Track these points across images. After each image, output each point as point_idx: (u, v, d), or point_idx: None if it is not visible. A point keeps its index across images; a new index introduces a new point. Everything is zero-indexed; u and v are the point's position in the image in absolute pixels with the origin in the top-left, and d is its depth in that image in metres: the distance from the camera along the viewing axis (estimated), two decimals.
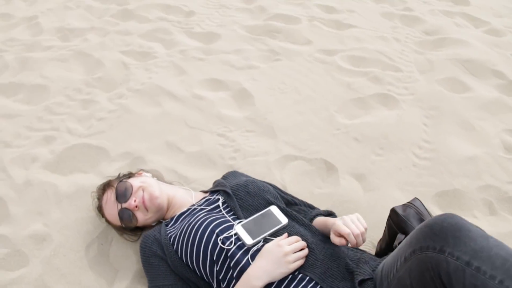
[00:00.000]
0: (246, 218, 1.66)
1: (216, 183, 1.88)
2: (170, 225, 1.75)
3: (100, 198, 1.88)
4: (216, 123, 2.50)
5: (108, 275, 1.81)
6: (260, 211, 1.69)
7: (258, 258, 1.50)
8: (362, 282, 1.48)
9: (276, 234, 1.60)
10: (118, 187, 1.80)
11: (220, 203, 1.73)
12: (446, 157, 2.36)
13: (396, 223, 1.69)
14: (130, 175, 1.91)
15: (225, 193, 1.76)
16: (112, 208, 1.78)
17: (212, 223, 1.60)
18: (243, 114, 2.58)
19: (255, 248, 1.55)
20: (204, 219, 1.62)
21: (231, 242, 1.56)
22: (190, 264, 1.59)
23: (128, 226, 1.77)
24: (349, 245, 1.50)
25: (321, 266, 1.52)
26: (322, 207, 2.08)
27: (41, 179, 2.10)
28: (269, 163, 2.27)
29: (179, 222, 1.73)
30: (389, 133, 2.48)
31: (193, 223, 1.62)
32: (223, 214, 1.67)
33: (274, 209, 1.68)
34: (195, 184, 2.15)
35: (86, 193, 2.06)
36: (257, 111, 2.59)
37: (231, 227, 1.61)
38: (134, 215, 1.73)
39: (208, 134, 2.43)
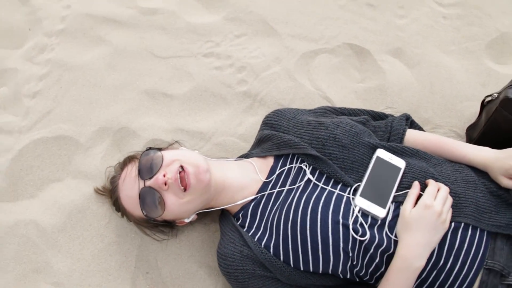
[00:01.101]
0: (355, 181, 1.20)
1: (277, 141, 1.30)
2: (247, 224, 1.23)
3: (116, 176, 1.30)
4: (192, 40, 1.79)
5: None
6: (366, 164, 1.22)
7: (407, 231, 1.10)
8: None
9: (400, 185, 1.19)
10: (142, 158, 1.21)
11: (308, 174, 1.21)
12: None
13: None
14: (161, 148, 1.28)
15: (308, 156, 1.23)
16: (130, 188, 1.20)
17: (327, 210, 1.12)
18: (219, 16, 1.86)
19: (389, 217, 1.13)
20: (312, 208, 1.12)
21: (361, 225, 1.12)
22: (312, 269, 1.14)
23: (150, 216, 1.19)
24: None
25: (468, 203, 1.16)
26: (380, 107, 1.65)
27: (6, 221, 1.37)
28: (290, 72, 1.71)
29: (260, 217, 1.22)
30: None
31: (298, 217, 1.12)
32: (325, 188, 1.18)
33: (381, 153, 1.22)
34: (217, 137, 1.56)
35: (83, 210, 1.40)
36: (234, 6, 1.88)
37: (348, 203, 1.15)
38: (161, 197, 1.16)
39: (191, 59, 1.74)
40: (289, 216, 1.13)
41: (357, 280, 1.18)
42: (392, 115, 1.46)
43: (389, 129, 1.36)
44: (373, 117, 1.47)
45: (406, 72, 1.74)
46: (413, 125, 1.46)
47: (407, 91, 1.69)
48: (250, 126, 1.58)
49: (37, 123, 1.55)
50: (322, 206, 1.12)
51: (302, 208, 1.13)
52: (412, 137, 1.35)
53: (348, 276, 1.15)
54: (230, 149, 1.53)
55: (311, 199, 1.14)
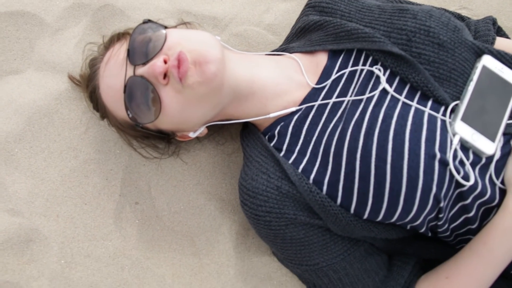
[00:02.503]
0: (453, 98, 0.81)
1: (334, 29, 0.88)
2: (285, 147, 0.85)
3: (98, 58, 0.90)
4: None
5: (188, 256, 0.98)
6: (467, 74, 0.83)
7: None
8: None
9: None
10: (136, 33, 0.82)
11: (384, 83, 0.81)
12: None
13: None
14: (166, 26, 0.86)
15: (386, 55, 0.82)
16: (114, 75, 0.81)
17: (418, 137, 0.73)
18: None
19: (497, 155, 0.77)
20: (395, 132, 0.73)
21: (461, 162, 0.76)
22: (380, 219, 0.78)
23: (138, 121, 0.81)
24: None
25: None
26: (451, 6, 1.24)
27: None
28: None
29: (306, 137, 0.83)
30: None
31: (374, 144, 0.73)
32: (409, 104, 0.78)
33: (489, 61, 0.83)
34: (236, 26, 1.13)
35: (49, 113, 1.02)
36: None
37: (444, 130, 0.77)
38: (156, 93, 0.77)
39: None
40: (359, 141, 0.75)
41: (430, 235, 0.84)
42: (469, 18, 1.05)
43: (473, 33, 0.96)
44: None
45: None
46: (500, 33, 1.05)
47: None
48: (281, 15, 1.16)
49: None
50: (410, 131, 0.73)
51: (380, 130, 0.74)
52: (503, 47, 0.94)
53: (423, 230, 0.81)
54: (253, 43, 1.12)
55: (392, 118, 0.75)
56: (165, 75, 0.75)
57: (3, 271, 0.91)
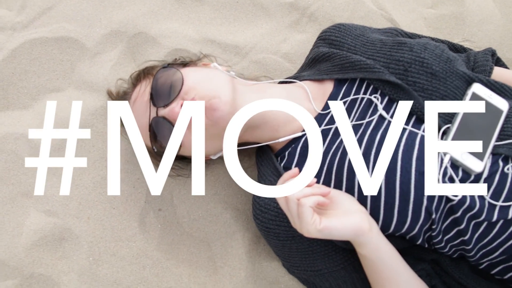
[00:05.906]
0: (445, 121, 0.90)
1: (340, 61, 0.98)
2: (293, 166, 0.95)
3: (128, 92, 1.03)
4: None
5: (204, 259, 1.07)
6: (459, 100, 0.92)
7: None
8: None
9: (502, 133, 0.90)
10: (157, 77, 0.93)
11: (381, 110, 0.90)
12: None
13: None
14: (189, 62, 1.00)
15: (384, 84, 0.92)
16: (141, 115, 0.94)
17: (409, 156, 0.82)
18: None
19: (485, 173, 0.84)
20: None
21: (451, 179, 0.84)
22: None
23: (160, 151, 0.93)
24: None
25: None
26: (455, 38, 1.33)
27: None
28: None
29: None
30: None
31: (370, 163, 0.83)
32: (404, 127, 0.87)
33: (479, 89, 0.92)
34: (256, 54, 1.25)
35: (85, 126, 1.14)
36: None
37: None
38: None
39: None
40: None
41: (426, 246, 0.91)
42: (471, 50, 1.15)
43: (472, 64, 1.05)
44: (449, 48, 1.16)
45: (488, 1, 1.40)
46: (499, 63, 1.14)
47: (489, 23, 1.35)
48: (297, 45, 1.27)
49: (35, 20, 1.25)
50: (403, 151, 0.82)
51: (376, 150, 0.83)
52: (500, 76, 1.03)
53: (419, 241, 0.88)
54: (271, 69, 1.23)
55: (381, 137, 0.85)
56: None
57: (37, 265, 1.02)
